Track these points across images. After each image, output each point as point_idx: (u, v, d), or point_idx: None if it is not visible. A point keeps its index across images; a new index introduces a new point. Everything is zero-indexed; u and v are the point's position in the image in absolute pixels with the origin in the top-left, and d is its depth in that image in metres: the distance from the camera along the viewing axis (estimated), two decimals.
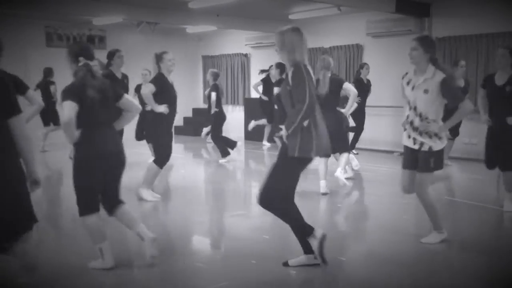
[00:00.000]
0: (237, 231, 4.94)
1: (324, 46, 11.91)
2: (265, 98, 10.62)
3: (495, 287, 3.61)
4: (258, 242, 4.51)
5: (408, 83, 4.28)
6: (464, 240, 4.65)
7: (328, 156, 6.53)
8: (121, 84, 6.45)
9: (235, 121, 13.27)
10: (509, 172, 5.31)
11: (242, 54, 13.90)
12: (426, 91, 4.09)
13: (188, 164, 9.38)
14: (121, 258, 4.09)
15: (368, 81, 9.75)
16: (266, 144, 11.19)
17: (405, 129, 4.31)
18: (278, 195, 3.67)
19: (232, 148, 9.21)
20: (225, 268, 3.92)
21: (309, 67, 3.59)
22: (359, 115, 9.46)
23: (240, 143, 9.55)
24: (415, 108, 4.18)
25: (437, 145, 4.16)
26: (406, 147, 4.34)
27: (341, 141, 6.67)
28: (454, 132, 8.30)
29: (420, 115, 4.15)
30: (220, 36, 14.29)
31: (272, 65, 10.61)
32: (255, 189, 7.00)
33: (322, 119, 3.69)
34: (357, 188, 7.18)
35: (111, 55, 6.48)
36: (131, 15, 11.01)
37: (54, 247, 4.43)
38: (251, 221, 5.27)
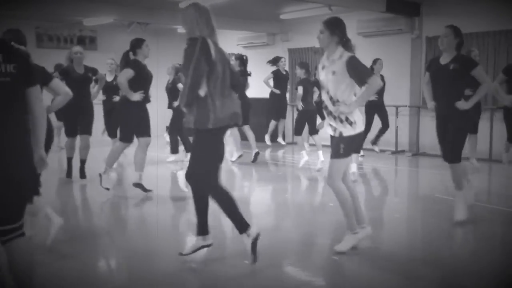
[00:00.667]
0: (231, 231, 4.93)
1: (316, 46, 11.94)
2: (276, 91, 10.31)
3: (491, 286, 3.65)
4: None
5: (322, 68, 4.15)
6: (460, 236, 4.68)
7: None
8: (147, 72, 6.31)
9: None
10: (455, 165, 4.87)
11: (234, 54, 13.88)
12: (334, 73, 3.98)
13: (182, 163, 9.34)
14: (121, 260, 4.08)
15: (382, 76, 9.08)
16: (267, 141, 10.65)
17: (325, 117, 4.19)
18: (201, 173, 3.74)
19: (175, 152, 9.09)
20: (218, 268, 3.92)
21: (210, 43, 3.62)
22: (378, 112, 8.96)
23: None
24: (327, 92, 4.07)
25: (348, 131, 3.98)
26: (330, 136, 4.18)
27: None
28: (473, 128, 7.58)
29: (331, 98, 4.03)
30: None
31: (283, 57, 10.41)
32: (249, 189, 7.02)
33: (229, 90, 3.77)
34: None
35: (138, 44, 6.22)
36: (122, 16, 10.98)
37: None
38: None
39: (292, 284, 3.69)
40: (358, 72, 3.95)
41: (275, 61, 10.52)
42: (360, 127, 4.06)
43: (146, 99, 6.34)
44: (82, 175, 7.13)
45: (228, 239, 4.67)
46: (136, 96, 6.07)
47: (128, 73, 6.03)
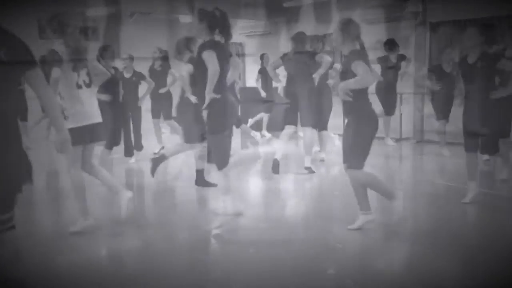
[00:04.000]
0: (235, 221, 4.94)
1: (318, 34, 11.86)
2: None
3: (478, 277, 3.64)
4: (256, 231, 4.52)
5: None
6: (454, 230, 4.68)
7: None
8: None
9: None
10: None
11: (236, 43, 13.82)
12: None
13: (184, 161, 9.35)
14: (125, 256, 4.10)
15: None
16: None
17: None
18: None
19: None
20: (223, 257, 3.93)
21: None
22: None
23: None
24: None
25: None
26: None
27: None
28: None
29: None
30: None
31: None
32: (252, 181, 7.03)
33: None
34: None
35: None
36: (124, 6, 10.95)
37: None
38: (249, 211, 5.27)
39: (295, 273, 3.70)
40: None
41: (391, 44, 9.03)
42: (73, 123, 4.06)
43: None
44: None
45: (231, 229, 4.67)
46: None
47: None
